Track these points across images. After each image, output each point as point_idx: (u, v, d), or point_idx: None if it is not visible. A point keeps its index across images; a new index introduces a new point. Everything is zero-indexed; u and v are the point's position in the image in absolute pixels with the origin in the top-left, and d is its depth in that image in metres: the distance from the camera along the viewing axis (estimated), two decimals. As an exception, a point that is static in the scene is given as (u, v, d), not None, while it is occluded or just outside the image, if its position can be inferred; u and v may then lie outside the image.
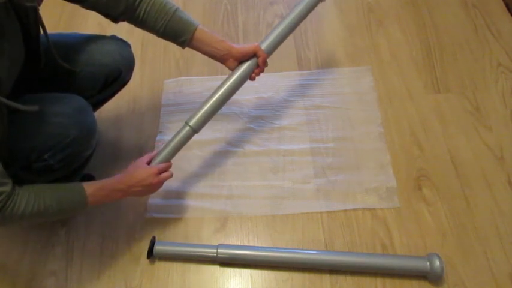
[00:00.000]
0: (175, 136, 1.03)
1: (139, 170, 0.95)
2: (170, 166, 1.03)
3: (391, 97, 1.35)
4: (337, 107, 1.35)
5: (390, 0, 1.58)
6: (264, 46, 1.05)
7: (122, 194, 0.94)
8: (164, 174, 0.99)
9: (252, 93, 1.38)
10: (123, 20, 0.96)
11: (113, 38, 1.08)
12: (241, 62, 1.05)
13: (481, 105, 1.31)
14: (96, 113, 1.18)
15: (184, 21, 0.97)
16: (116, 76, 1.08)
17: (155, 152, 1.03)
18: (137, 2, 0.93)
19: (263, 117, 1.35)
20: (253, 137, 1.31)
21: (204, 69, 1.42)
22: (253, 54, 1.04)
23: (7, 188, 0.75)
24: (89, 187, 0.88)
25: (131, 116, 1.38)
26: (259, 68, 1.06)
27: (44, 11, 0.93)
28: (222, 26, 1.57)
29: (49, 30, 0.92)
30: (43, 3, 0.87)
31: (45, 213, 0.81)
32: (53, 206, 0.82)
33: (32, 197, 0.79)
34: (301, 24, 1.55)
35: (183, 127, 1.03)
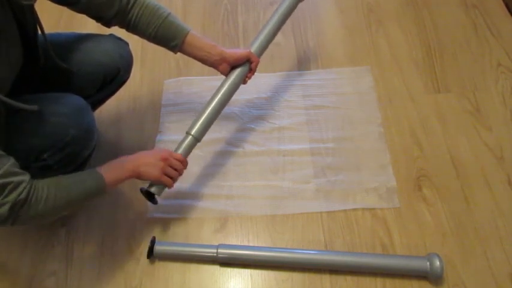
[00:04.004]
0: (178, 147, 1.04)
1: (156, 151, 0.98)
2: (185, 162, 1.03)
3: (391, 97, 1.35)
4: (337, 107, 1.35)
5: (390, 0, 1.58)
6: (253, 49, 1.08)
7: (132, 168, 0.93)
8: (176, 162, 0.99)
9: (252, 93, 1.38)
10: (115, 24, 0.97)
11: (111, 36, 1.08)
12: (233, 66, 1.06)
13: (481, 105, 1.31)
14: (96, 113, 1.19)
15: (175, 25, 0.97)
16: (114, 75, 1.08)
17: None
18: (129, 6, 0.93)
19: (263, 117, 1.35)
20: (253, 137, 1.31)
21: (204, 69, 1.42)
22: (246, 59, 1.06)
23: (25, 177, 0.75)
24: (102, 170, 0.88)
25: (131, 116, 1.38)
26: (251, 72, 1.09)
27: (43, 11, 0.93)
28: (222, 26, 1.57)
29: (49, 31, 0.93)
30: (44, 3, 0.87)
31: (68, 199, 0.81)
32: (73, 191, 0.82)
33: (53, 185, 0.79)
34: (301, 24, 1.55)
35: (185, 137, 1.04)
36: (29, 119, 0.85)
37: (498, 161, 1.21)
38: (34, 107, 0.81)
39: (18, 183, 0.73)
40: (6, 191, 0.71)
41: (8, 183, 0.71)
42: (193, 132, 1.03)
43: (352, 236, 1.12)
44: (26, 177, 0.75)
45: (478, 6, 1.53)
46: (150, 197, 1.03)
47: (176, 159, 1.00)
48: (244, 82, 1.10)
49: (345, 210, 1.16)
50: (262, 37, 1.10)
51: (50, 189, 0.78)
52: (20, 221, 0.75)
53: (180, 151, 1.03)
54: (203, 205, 1.19)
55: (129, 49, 1.12)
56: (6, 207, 0.72)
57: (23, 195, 0.73)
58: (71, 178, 0.84)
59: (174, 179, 1.01)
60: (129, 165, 0.93)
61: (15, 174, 0.73)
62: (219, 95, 1.05)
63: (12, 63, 0.82)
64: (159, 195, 1.03)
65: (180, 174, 1.02)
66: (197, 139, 1.04)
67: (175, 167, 1.00)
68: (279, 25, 1.12)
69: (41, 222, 0.89)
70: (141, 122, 1.36)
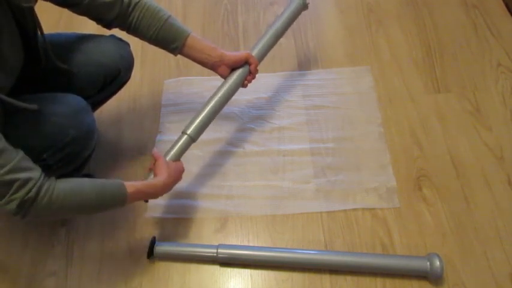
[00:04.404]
0: (173, 145, 1.03)
1: (174, 173, 0.98)
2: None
3: (391, 97, 1.35)
4: (337, 107, 1.35)
5: (390, 0, 1.58)
6: (254, 53, 1.08)
7: (154, 197, 0.97)
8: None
9: (252, 93, 1.38)
10: (116, 27, 0.97)
11: (112, 37, 1.08)
12: (233, 69, 1.06)
13: (481, 105, 1.31)
14: (97, 113, 1.19)
15: (176, 28, 0.98)
16: (115, 76, 1.08)
17: (152, 163, 1.01)
18: (130, 9, 0.93)
19: (263, 117, 1.35)
20: (253, 137, 1.31)
21: (204, 69, 1.41)
22: (245, 61, 1.06)
23: (34, 174, 0.73)
24: (129, 188, 0.87)
25: (131, 116, 1.38)
26: (251, 74, 1.08)
27: (43, 11, 0.93)
28: (222, 26, 1.57)
29: (49, 31, 0.93)
30: (43, 4, 0.87)
31: (83, 204, 0.80)
32: (92, 198, 0.81)
33: (69, 187, 0.79)
34: (301, 25, 1.55)
35: (181, 136, 1.03)
36: (29, 119, 0.85)
37: (498, 161, 1.21)
38: (34, 106, 0.81)
39: (26, 181, 0.72)
40: (14, 188, 0.71)
41: (15, 180, 0.70)
42: (189, 131, 1.03)
43: (352, 236, 1.12)
44: (36, 173, 0.74)
45: (478, 6, 1.53)
46: None
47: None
48: (245, 85, 1.09)
49: (345, 210, 1.16)
50: (263, 42, 1.10)
51: (66, 191, 0.77)
52: (31, 216, 0.75)
53: (174, 150, 1.02)
54: (203, 205, 1.19)
55: (130, 50, 1.12)
56: (13, 205, 0.71)
57: (31, 194, 0.72)
58: (92, 183, 0.84)
59: None
60: (150, 197, 0.96)
61: (23, 170, 0.72)
62: (218, 96, 1.05)
63: (13, 64, 0.82)
64: None
65: None
66: (193, 139, 1.03)
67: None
68: (281, 32, 1.12)
69: (55, 219, 0.90)
70: (141, 122, 1.36)
